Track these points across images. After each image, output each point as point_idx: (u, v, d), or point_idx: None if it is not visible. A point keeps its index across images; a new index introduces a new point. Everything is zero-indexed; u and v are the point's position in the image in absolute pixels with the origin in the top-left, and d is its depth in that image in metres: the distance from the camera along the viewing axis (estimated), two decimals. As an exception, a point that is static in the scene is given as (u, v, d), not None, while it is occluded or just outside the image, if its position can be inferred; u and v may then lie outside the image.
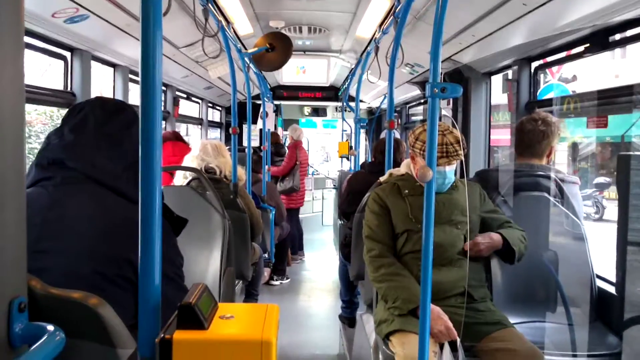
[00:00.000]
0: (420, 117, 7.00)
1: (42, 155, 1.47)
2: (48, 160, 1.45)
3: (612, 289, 2.61)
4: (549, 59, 3.40)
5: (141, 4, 0.98)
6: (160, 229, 0.98)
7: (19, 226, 0.88)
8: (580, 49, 2.92)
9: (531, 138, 2.78)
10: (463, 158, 2.34)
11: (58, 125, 1.55)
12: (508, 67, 3.79)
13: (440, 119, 4.82)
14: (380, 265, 2.41)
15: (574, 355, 2.39)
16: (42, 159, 1.46)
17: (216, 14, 3.37)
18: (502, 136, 5.27)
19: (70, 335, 0.97)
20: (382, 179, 2.75)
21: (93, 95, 3.47)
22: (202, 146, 3.48)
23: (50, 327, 0.91)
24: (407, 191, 2.48)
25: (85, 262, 1.32)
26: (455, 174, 2.49)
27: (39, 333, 0.90)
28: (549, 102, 3.36)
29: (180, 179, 3.35)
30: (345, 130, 8.56)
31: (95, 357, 1.10)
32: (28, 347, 0.88)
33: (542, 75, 3.94)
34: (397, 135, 7.23)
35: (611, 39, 2.67)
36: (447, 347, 2.17)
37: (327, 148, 14.22)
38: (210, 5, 3.09)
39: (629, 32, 2.58)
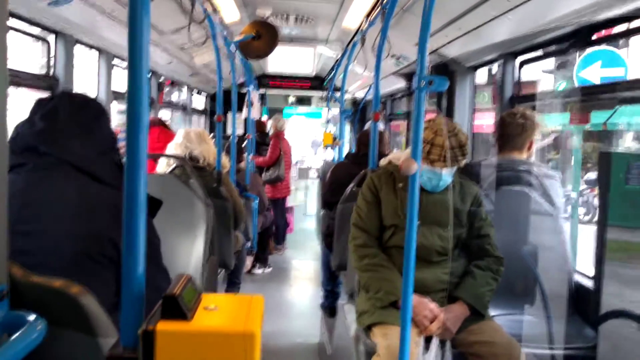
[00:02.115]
0: (404, 109, 6.98)
1: (13, 144, 1.46)
2: (20, 147, 1.45)
3: (589, 284, 2.66)
4: (534, 54, 3.42)
5: None
6: (145, 219, 0.97)
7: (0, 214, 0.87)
8: (565, 45, 2.95)
9: (511, 132, 2.80)
10: (462, 165, 2.28)
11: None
12: (493, 61, 3.80)
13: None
14: (364, 254, 2.41)
15: (551, 348, 2.43)
16: (13, 147, 1.45)
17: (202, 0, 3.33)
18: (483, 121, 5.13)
19: (52, 323, 0.96)
20: (382, 162, 2.70)
21: (75, 79, 3.42)
22: (185, 133, 3.50)
23: (31, 317, 0.90)
24: (401, 185, 2.41)
25: (65, 242, 1.34)
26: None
27: (19, 322, 0.89)
28: (532, 97, 3.39)
29: (164, 166, 3.35)
30: (330, 121, 8.54)
31: (76, 346, 1.10)
32: (8, 336, 0.88)
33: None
34: (381, 127, 7.22)
35: (593, 36, 2.70)
36: (434, 341, 2.19)
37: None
38: (197, -9, 3.05)
39: (612, 31, 2.61)
